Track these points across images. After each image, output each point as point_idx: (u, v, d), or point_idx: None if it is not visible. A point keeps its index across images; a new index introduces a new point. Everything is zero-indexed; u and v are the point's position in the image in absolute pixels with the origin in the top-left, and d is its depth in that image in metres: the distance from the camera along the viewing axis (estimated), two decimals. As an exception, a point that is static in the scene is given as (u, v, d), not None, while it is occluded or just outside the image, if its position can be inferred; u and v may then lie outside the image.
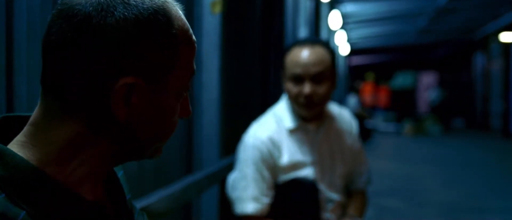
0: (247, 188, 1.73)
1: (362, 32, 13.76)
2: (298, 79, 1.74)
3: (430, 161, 8.47)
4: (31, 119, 0.65)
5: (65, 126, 0.63)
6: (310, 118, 1.80)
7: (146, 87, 0.63)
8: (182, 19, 0.67)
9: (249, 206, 1.72)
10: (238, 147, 1.85)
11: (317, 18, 7.30)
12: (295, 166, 1.78)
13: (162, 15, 0.64)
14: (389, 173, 7.00)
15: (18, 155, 0.61)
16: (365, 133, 10.88)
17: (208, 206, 2.44)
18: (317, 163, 1.81)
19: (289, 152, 1.78)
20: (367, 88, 14.76)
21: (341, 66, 13.86)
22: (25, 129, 0.65)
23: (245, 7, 3.27)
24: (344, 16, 10.78)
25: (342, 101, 11.74)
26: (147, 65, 0.63)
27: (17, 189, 0.59)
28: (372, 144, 10.83)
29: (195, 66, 0.71)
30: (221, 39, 2.44)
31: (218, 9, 2.40)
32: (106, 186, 0.73)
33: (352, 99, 11.23)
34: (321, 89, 1.74)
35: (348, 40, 14.22)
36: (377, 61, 19.34)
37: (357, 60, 19.24)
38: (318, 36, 7.40)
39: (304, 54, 1.75)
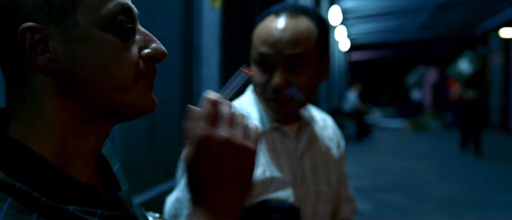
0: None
1: (362, 28, 13.75)
2: (266, 63, 1.18)
3: (429, 155, 8.47)
4: None
5: (29, 88, 0.62)
6: (283, 120, 1.26)
7: (56, 29, 0.61)
8: None
9: None
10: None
11: (317, 14, 7.28)
12: (270, 184, 1.20)
13: None
14: (389, 168, 7.00)
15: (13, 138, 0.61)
16: (365, 129, 10.90)
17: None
18: (298, 182, 1.26)
19: (263, 164, 1.21)
20: (454, 85, 14.71)
21: (341, 61, 13.88)
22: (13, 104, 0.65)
23: (245, 2, 3.26)
24: (344, 12, 10.77)
25: (341, 98, 11.76)
26: (45, 6, 0.60)
27: (10, 171, 0.58)
28: (372, 140, 10.84)
29: None
30: (221, 34, 2.43)
31: (218, 4, 2.40)
32: (101, 179, 0.73)
33: (351, 95, 11.23)
34: (299, 79, 1.17)
35: (348, 36, 14.21)
36: (377, 56, 19.34)
37: (357, 55, 19.24)
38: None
39: (278, 26, 1.18)
